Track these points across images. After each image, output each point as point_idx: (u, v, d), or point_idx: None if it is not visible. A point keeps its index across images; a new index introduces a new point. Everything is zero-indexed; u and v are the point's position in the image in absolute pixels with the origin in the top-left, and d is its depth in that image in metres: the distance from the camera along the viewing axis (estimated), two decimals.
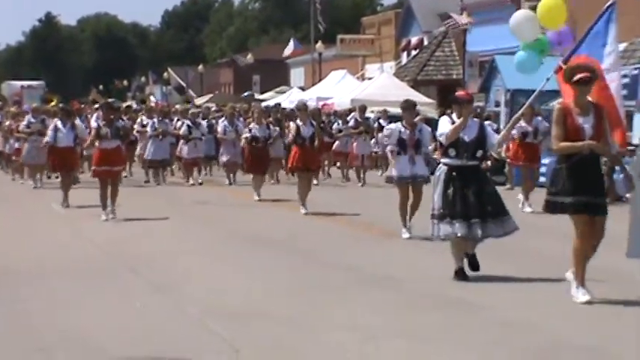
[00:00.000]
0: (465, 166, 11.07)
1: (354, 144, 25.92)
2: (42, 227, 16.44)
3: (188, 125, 25.38)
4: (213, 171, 28.36)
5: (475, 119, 11.67)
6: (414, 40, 47.78)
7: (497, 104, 31.73)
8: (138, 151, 26.48)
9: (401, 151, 14.75)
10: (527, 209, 17.92)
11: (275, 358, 7.38)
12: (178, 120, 26.64)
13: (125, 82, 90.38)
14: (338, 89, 38.91)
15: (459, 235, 10.84)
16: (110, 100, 22.98)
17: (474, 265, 11.10)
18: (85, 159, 23.60)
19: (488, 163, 12.37)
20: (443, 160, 11.20)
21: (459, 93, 11.79)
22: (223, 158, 25.28)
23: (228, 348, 7.94)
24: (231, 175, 25.32)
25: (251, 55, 64.52)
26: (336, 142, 26.67)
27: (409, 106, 15.06)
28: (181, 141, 25.48)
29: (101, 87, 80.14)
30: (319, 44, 50.50)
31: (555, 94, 27.67)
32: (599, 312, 9.36)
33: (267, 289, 10.61)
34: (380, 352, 7.76)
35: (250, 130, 21.33)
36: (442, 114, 20.30)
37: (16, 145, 25.23)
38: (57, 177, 21.61)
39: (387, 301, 9.94)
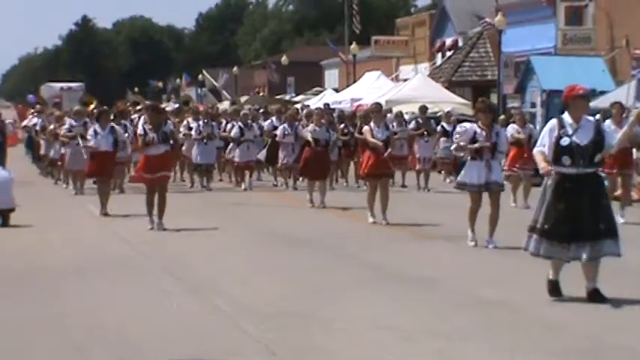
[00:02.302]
0: (580, 175, 9.50)
1: (416, 146, 24.78)
2: (78, 228, 16.52)
3: (240, 127, 24.30)
4: (263, 175, 27.15)
5: (590, 118, 10.04)
6: (448, 41, 47.59)
7: (534, 105, 31.55)
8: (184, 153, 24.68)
9: (476, 155, 13.50)
10: (620, 220, 15.95)
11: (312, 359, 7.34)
12: (228, 122, 25.55)
13: (160, 84, 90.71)
14: (372, 90, 38.83)
15: (563, 260, 9.59)
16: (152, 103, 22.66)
17: (599, 298, 9.53)
18: (133, 164, 22.18)
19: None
20: (555, 168, 9.54)
21: (579, 91, 9.82)
22: (284, 162, 23.92)
23: (264, 349, 7.92)
24: (289, 179, 24.29)
25: (285, 57, 64.56)
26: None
27: (486, 107, 13.92)
28: (231, 144, 24.55)
29: (136, 89, 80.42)
30: (353, 46, 50.46)
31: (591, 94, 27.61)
32: (636, 314, 9.28)
33: (301, 290, 10.58)
34: (419, 353, 7.72)
35: (312, 132, 19.85)
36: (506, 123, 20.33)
37: (62, 151, 23.89)
38: (94, 182, 20.26)
39: (422, 301, 9.89)
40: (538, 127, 28.14)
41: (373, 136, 16.54)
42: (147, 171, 15.73)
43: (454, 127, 26.56)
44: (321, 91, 50.89)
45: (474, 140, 13.47)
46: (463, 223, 14.02)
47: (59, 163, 24.77)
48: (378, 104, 17.87)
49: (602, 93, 27.65)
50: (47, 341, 8.20)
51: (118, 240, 14.99)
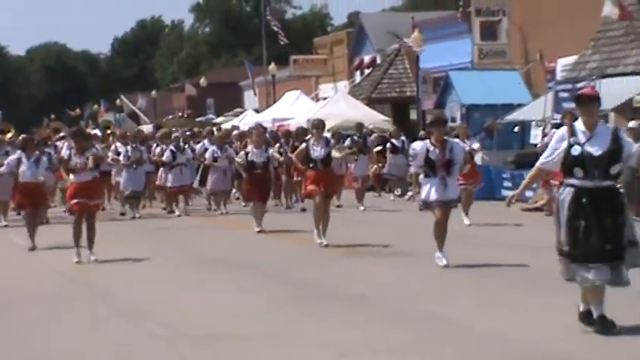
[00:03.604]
0: (597, 189, 8.53)
1: (352, 165, 24.44)
2: (3, 260, 16.22)
3: (172, 150, 23.56)
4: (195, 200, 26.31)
5: (608, 125, 9.35)
6: (366, 58, 47.91)
7: (454, 120, 31.87)
8: (113, 180, 24.09)
9: (430, 172, 13.15)
10: None
11: None
12: (157, 145, 24.77)
13: (78, 111, 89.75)
14: (293, 110, 38.88)
15: (597, 284, 8.51)
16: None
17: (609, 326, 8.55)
18: (60, 191, 21.04)
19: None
20: (568, 181, 8.69)
21: (584, 90, 9.24)
22: (213, 187, 23.52)
23: None
24: (222, 204, 23.60)
25: (204, 78, 64.39)
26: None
27: (438, 121, 13.48)
28: (162, 168, 23.74)
29: (53, 116, 79.43)
30: (272, 66, 50.52)
31: (509, 107, 28.05)
32: (573, 320, 9.41)
33: (236, 311, 10.53)
34: None
35: (247, 155, 18.95)
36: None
37: None
38: (18, 214, 19.19)
39: (360, 317, 9.91)
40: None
41: (310, 155, 16.03)
42: (75, 197, 14.86)
43: (403, 143, 26.99)
44: (242, 112, 50.81)
45: (428, 159, 13.09)
46: (400, 240, 14.15)
47: None
48: (320, 120, 17.08)
49: (520, 106, 28.12)
50: None
51: (43, 267, 14.75)
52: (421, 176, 13.97)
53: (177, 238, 18.54)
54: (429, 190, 13.12)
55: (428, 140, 13.36)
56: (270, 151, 19.63)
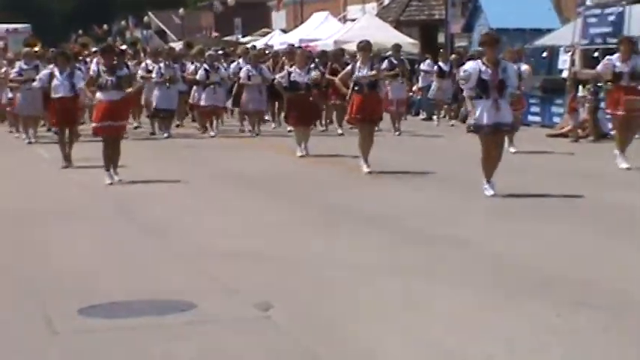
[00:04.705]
0: None
1: (388, 88, 22.74)
2: (31, 174, 16.40)
3: (205, 69, 22.92)
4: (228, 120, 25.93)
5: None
6: None
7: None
8: (143, 99, 23.40)
9: (482, 94, 12.42)
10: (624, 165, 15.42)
11: (273, 298, 7.43)
12: (192, 63, 24.35)
13: (105, 27, 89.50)
14: (320, 31, 38.69)
15: None
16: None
17: None
18: (87, 109, 20.52)
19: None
20: None
21: None
22: (247, 106, 22.97)
23: (221, 288, 8.01)
24: (256, 124, 23.16)
25: None
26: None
27: (492, 40, 12.70)
28: (195, 88, 23.27)
29: (80, 32, 79.30)
30: None
31: (538, 32, 27.80)
32: (585, 245, 9.50)
33: (260, 230, 10.66)
34: (376, 290, 7.81)
35: (290, 75, 18.17)
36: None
37: (10, 95, 22.52)
38: (55, 132, 18.46)
39: (378, 238, 10.03)
40: None
41: (356, 77, 15.30)
42: (102, 119, 14.35)
43: (451, 66, 26.72)
44: (269, 32, 50.56)
45: (480, 80, 12.37)
46: (427, 164, 14.06)
47: (8, 109, 23.45)
48: (367, 41, 15.99)
49: (549, 31, 27.84)
50: (1, 288, 8.11)
51: (71, 183, 14.93)
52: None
53: (208, 158, 18.53)
54: (481, 113, 12.42)
55: (479, 60, 12.63)
56: (313, 73, 18.61)
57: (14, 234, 10.65)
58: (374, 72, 15.38)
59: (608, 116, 20.97)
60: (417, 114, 29.04)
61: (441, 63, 27.16)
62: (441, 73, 26.93)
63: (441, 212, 11.76)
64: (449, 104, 27.18)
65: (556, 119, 23.83)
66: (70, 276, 8.48)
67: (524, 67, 18.39)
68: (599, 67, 16.36)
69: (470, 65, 12.73)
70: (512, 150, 17.45)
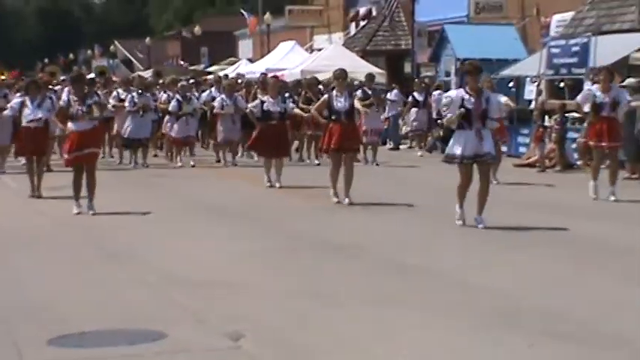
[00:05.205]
0: None
1: (362, 117, 21.61)
2: None
3: (178, 100, 22.67)
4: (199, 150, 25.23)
5: None
6: (362, 10, 47.70)
7: (448, 74, 31.84)
8: (115, 128, 23.24)
9: (464, 124, 12.21)
10: (612, 197, 15.23)
11: (244, 327, 7.38)
12: (164, 92, 24.23)
13: (71, 56, 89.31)
14: (287, 60, 38.78)
15: None
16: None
17: None
18: (57, 139, 20.25)
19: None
20: None
21: None
22: (222, 136, 22.73)
23: (191, 317, 7.94)
24: (227, 153, 22.88)
25: (198, 27, 64.07)
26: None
27: (474, 68, 12.47)
28: (167, 117, 23.00)
29: (46, 61, 79.07)
30: (267, 15, 50.29)
31: (504, 62, 28.01)
32: (556, 275, 9.52)
33: (226, 258, 10.61)
34: (348, 319, 7.78)
35: (263, 104, 17.85)
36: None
37: None
38: (23, 163, 18.15)
39: (348, 267, 10.01)
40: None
41: (333, 107, 15.01)
42: (74, 150, 14.06)
43: (426, 96, 26.76)
44: (236, 61, 50.64)
45: (462, 108, 12.16)
46: (400, 194, 13.92)
47: None
48: (343, 70, 15.77)
49: (515, 61, 28.08)
50: None
51: (36, 212, 14.77)
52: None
53: (178, 188, 18.43)
54: (464, 144, 12.16)
55: (462, 89, 12.49)
56: (291, 105, 18.44)
57: None
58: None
59: (574, 146, 21.34)
60: (384, 143, 29.11)
61: (415, 93, 27.17)
62: (415, 103, 26.90)
63: (412, 241, 11.75)
64: (424, 134, 27.14)
65: (522, 149, 23.97)
66: (38, 304, 8.38)
67: (504, 98, 18.31)
68: (579, 98, 16.21)
69: (453, 92, 12.62)
70: (494, 182, 16.55)
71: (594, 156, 15.87)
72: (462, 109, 12.17)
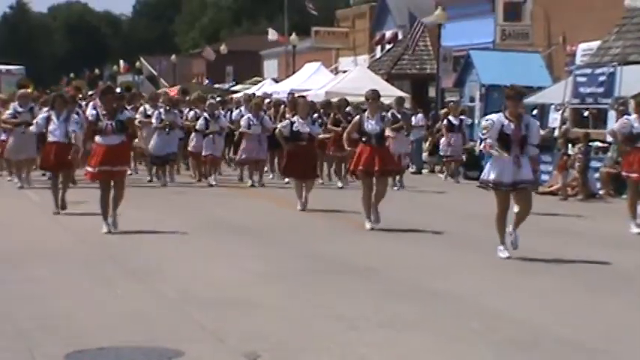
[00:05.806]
0: None
1: (390, 141, 22.38)
2: (19, 216, 16.31)
3: (205, 118, 22.37)
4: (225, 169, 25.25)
5: None
6: (388, 34, 47.82)
7: (472, 99, 31.88)
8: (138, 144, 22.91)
9: (503, 149, 11.81)
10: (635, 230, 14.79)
11: (261, 348, 7.39)
12: (190, 110, 24.04)
13: (97, 71, 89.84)
14: (312, 81, 38.88)
15: None
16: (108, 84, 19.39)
17: None
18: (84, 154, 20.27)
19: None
20: None
21: None
22: (247, 155, 22.31)
23: (211, 336, 7.96)
24: (255, 173, 22.42)
25: (225, 45, 64.36)
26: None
27: (515, 94, 12.02)
28: (193, 134, 22.72)
29: (72, 75, 79.56)
30: (293, 36, 50.48)
31: (529, 90, 27.97)
32: (577, 302, 9.48)
33: (247, 278, 10.62)
34: (366, 342, 7.77)
35: (292, 125, 17.50)
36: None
37: (2, 137, 21.71)
38: (48, 177, 17.99)
39: (366, 290, 9.99)
40: (476, 121, 28.46)
41: (364, 129, 14.70)
42: (101, 164, 13.82)
43: (461, 121, 26.28)
44: (260, 81, 50.81)
45: (502, 134, 11.76)
46: (422, 217, 13.73)
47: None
48: (375, 91, 15.29)
49: (540, 89, 28.06)
50: None
51: (58, 227, 14.84)
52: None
53: (202, 206, 18.35)
54: (501, 170, 11.82)
55: (502, 114, 11.97)
56: (318, 129, 18.09)
57: (0, 275, 10.57)
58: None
59: (597, 176, 21.26)
60: (407, 167, 28.99)
61: (451, 117, 26.00)
62: (450, 128, 25.83)
63: (433, 266, 11.72)
64: (460, 160, 26.02)
65: (544, 177, 23.91)
66: (57, 319, 8.43)
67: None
68: (616, 126, 15.86)
69: (494, 116, 12.08)
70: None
71: (628, 189, 15.40)
72: (505, 155, 11.77)
